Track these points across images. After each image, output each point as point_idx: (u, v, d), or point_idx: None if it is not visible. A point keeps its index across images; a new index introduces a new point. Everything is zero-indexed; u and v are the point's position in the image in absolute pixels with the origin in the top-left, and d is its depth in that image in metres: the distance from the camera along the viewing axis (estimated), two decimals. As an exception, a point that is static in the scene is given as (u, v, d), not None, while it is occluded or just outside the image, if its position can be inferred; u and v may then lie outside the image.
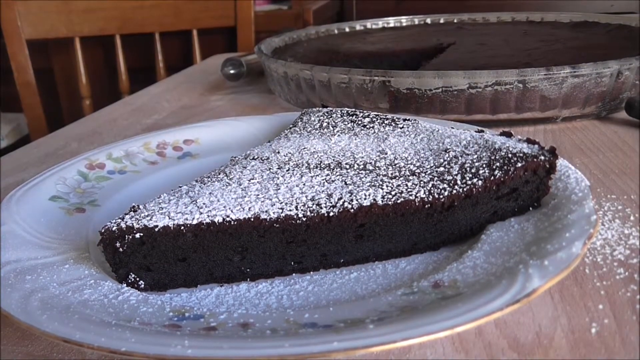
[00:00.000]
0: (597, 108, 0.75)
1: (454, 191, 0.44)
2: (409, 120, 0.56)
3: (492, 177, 0.45)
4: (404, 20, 1.28)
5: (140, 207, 0.43)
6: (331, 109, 0.62)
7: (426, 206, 0.44)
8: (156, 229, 0.41)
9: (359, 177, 0.46)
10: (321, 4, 2.07)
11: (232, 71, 1.08)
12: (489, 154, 0.47)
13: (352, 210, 0.42)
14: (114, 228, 0.41)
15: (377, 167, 0.48)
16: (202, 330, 0.35)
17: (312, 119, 0.60)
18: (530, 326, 0.38)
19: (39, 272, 0.41)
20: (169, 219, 0.41)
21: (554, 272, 0.36)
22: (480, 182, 0.45)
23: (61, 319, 0.35)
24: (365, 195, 0.43)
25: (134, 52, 1.92)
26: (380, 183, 0.45)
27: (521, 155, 0.46)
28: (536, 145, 0.48)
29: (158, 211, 0.42)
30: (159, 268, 0.43)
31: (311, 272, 0.45)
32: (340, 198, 0.43)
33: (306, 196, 0.44)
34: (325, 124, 0.58)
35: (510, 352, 0.36)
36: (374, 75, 0.76)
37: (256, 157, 0.51)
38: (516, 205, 0.47)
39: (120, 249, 0.41)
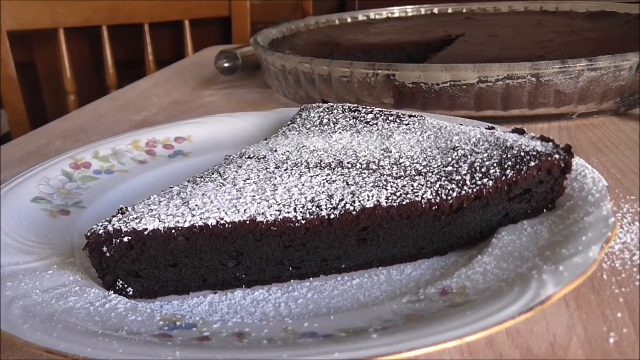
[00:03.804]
0: (615, 103, 0.75)
1: (463, 192, 0.44)
2: (414, 116, 0.57)
3: (504, 177, 0.45)
4: (410, 9, 1.28)
5: (129, 209, 0.43)
6: (332, 104, 0.62)
7: (433, 208, 0.44)
8: (145, 233, 0.41)
9: (361, 177, 0.46)
10: (321, -8, 2.07)
11: (226, 64, 1.08)
12: (500, 152, 0.47)
13: (354, 212, 0.42)
14: (100, 231, 0.41)
15: (381, 166, 0.48)
16: (195, 340, 0.35)
17: (312, 115, 0.60)
18: (544, 336, 0.38)
19: (20, 278, 0.41)
20: (159, 221, 0.41)
21: (569, 278, 0.36)
22: (490, 182, 0.45)
23: (44, 328, 0.35)
24: (368, 196, 0.43)
25: (121, 44, 1.92)
26: (384, 183, 0.45)
27: (534, 153, 0.46)
28: (550, 143, 0.48)
29: (147, 213, 0.42)
30: (149, 274, 0.43)
31: (311, 278, 0.45)
32: (342, 199, 0.43)
33: (305, 197, 0.44)
34: (325, 121, 0.58)
35: (522, 363, 0.36)
36: (377, 69, 0.76)
37: (252, 155, 0.51)
38: (529, 207, 0.47)
39: (107, 254, 0.41)
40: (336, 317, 0.38)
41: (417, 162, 0.48)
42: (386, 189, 0.44)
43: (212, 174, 0.48)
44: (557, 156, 0.46)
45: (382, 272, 0.45)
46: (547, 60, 0.71)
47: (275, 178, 0.46)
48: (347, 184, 0.45)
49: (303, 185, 0.45)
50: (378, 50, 1.00)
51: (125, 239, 0.41)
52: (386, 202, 0.43)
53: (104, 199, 0.57)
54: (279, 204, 0.43)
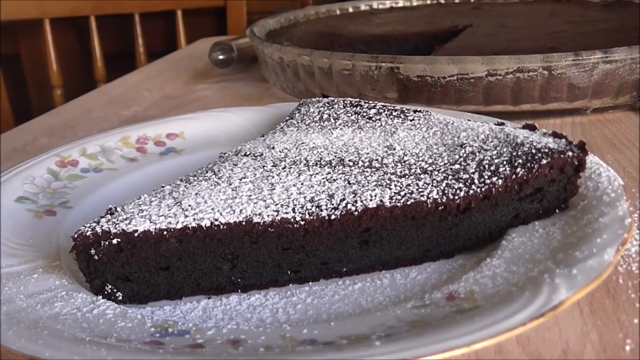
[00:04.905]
0: (631, 98, 0.75)
1: (471, 191, 0.44)
2: (420, 111, 0.57)
3: (514, 176, 0.45)
4: (415, -1, 1.28)
5: (118, 209, 0.43)
6: (333, 99, 0.62)
7: (439, 208, 0.44)
8: (136, 234, 0.41)
9: (363, 176, 0.46)
10: (321, -19, 2.07)
11: (221, 57, 1.08)
12: (510, 149, 0.47)
13: (356, 212, 0.42)
14: (88, 233, 0.41)
15: (384, 164, 0.48)
16: (188, 348, 0.35)
17: (311, 110, 0.60)
18: (557, 343, 0.38)
19: (3, 282, 0.41)
20: (150, 222, 0.41)
21: (583, 282, 0.36)
22: (500, 181, 0.45)
23: (29, 335, 0.35)
24: (371, 196, 0.43)
25: (111, 36, 1.92)
26: (388, 182, 0.45)
27: (546, 151, 0.46)
28: (563, 140, 0.48)
29: (138, 214, 0.42)
30: (139, 278, 0.43)
31: (310, 283, 0.45)
32: (343, 199, 0.43)
33: (304, 197, 0.44)
34: (325, 116, 0.58)
35: (534, 372, 0.36)
36: (380, 61, 0.76)
37: (248, 153, 0.51)
38: (541, 207, 0.47)
39: (96, 257, 0.41)
40: (337, 323, 0.38)
41: (422, 160, 0.48)
42: (390, 188, 0.44)
43: (206, 172, 0.48)
44: (570, 153, 0.46)
45: (386, 276, 0.45)
46: (560, 52, 0.71)
47: (273, 177, 0.46)
48: (349, 183, 0.45)
49: (302, 184, 0.45)
50: (381, 41, 1.00)
51: (115, 241, 0.41)
52: (390, 202, 0.43)
53: (92, 199, 0.57)
54: (276, 204, 0.43)
